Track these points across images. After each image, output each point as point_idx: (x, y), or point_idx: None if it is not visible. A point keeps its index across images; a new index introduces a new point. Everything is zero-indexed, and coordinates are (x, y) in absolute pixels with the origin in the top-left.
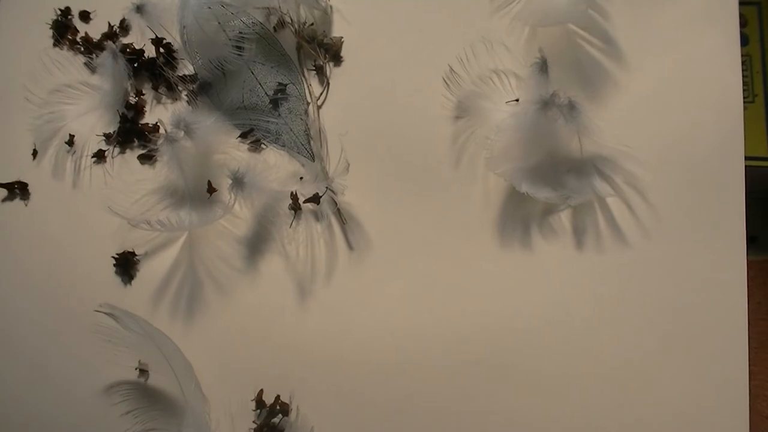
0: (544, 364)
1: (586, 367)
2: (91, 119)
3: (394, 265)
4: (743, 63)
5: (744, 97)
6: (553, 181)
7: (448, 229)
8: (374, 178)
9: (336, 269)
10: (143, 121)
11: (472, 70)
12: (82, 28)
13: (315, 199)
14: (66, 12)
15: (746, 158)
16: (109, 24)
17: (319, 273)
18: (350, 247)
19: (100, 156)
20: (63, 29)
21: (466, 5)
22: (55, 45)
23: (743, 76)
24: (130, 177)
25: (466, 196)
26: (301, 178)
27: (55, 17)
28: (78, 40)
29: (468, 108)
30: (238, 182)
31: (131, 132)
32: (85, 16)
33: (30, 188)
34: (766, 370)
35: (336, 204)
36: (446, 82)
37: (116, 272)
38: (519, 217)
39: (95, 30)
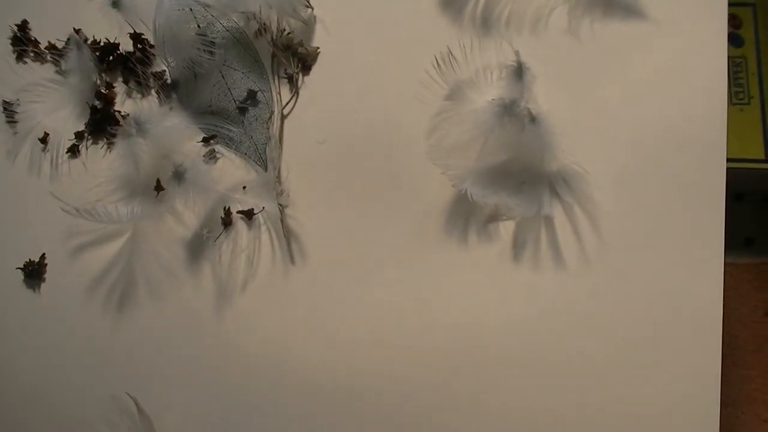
0: (509, 369)
1: (568, 368)
2: (62, 115)
3: (329, 282)
4: (738, 65)
5: (739, 99)
6: (507, 189)
7: (402, 244)
8: (330, 190)
9: (271, 281)
10: (115, 109)
11: (474, 59)
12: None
13: (248, 213)
14: (23, 26)
15: (742, 160)
16: (74, 28)
17: (249, 284)
18: (292, 261)
19: (74, 151)
20: (24, 43)
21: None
22: (18, 61)
23: (739, 77)
24: (102, 165)
25: (428, 212)
26: (244, 187)
27: (12, 34)
28: (42, 49)
29: (454, 94)
30: (178, 176)
31: (102, 122)
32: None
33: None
34: (764, 374)
35: (281, 215)
36: (439, 64)
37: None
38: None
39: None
